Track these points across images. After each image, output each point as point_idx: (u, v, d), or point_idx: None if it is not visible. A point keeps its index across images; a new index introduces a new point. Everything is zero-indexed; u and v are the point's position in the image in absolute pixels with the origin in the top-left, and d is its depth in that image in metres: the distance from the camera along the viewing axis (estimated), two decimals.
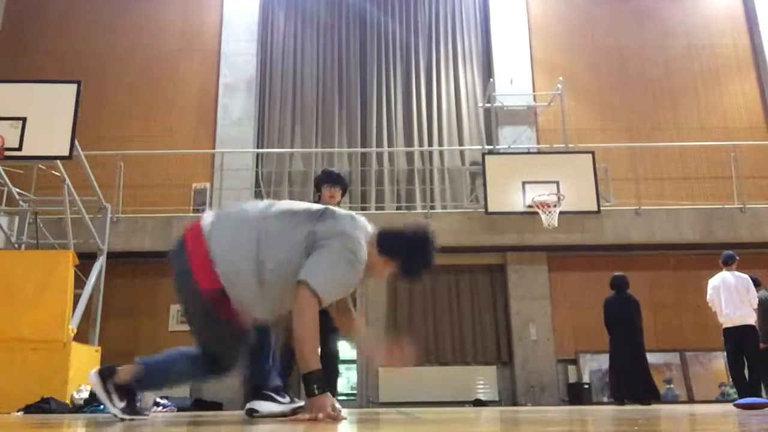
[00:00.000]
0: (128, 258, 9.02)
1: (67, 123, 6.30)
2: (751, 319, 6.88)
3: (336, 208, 2.66)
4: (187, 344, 2.77)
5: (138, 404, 2.63)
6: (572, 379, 8.99)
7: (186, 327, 2.85)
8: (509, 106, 10.46)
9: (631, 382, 7.11)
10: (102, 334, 7.62)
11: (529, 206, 8.58)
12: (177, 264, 2.49)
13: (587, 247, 9.18)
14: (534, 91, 10.65)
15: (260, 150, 10.45)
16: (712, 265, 7.38)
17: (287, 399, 4.40)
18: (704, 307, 7.32)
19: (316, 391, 2.33)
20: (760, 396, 6.75)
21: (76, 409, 5.75)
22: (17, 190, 7.81)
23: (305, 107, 10.70)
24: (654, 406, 6.23)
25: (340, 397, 4.93)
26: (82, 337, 6.90)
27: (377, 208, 9.85)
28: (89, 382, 2.61)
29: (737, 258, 7.15)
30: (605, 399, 8.90)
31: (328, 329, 4.81)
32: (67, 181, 6.82)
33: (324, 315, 4.80)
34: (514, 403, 8.86)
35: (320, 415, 2.27)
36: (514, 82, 10.64)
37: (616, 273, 7.67)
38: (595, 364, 9.07)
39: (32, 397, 5.60)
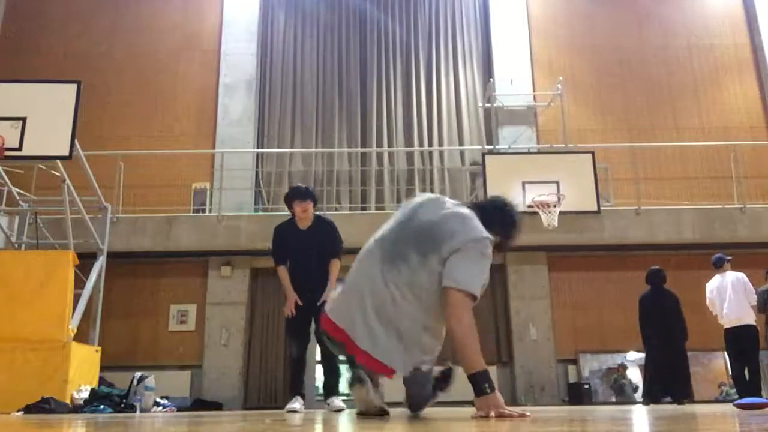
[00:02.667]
0: (128, 258, 9.02)
1: (67, 123, 6.29)
2: (751, 318, 6.89)
3: None
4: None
5: None
6: (572, 379, 8.99)
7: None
8: (509, 106, 10.46)
9: (668, 382, 6.86)
10: (102, 334, 7.62)
11: (529, 206, 8.57)
12: None
13: (587, 247, 9.18)
14: (534, 91, 10.65)
15: (260, 150, 10.45)
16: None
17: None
18: (704, 307, 7.32)
19: (488, 390, 2.33)
20: (760, 396, 6.75)
21: (76, 409, 5.76)
22: (17, 190, 7.81)
23: (305, 107, 10.70)
24: (655, 407, 6.23)
25: (340, 397, 4.95)
26: (82, 337, 6.90)
27: (377, 208, 9.84)
28: None
29: (727, 259, 7.15)
30: (612, 399, 8.91)
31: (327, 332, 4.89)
32: (67, 181, 6.82)
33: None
34: (515, 403, 8.85)
35: (493, 413, 2.26)
36: (514, 82, 10.64)
37: (653, 267, 7.33)
38: (595, 364, 9.07)
39: (32, 397, 5.60)
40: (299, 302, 4.88)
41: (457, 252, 2.46)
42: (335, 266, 4.98)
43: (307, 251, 4.92)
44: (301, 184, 5.09)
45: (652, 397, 6.99)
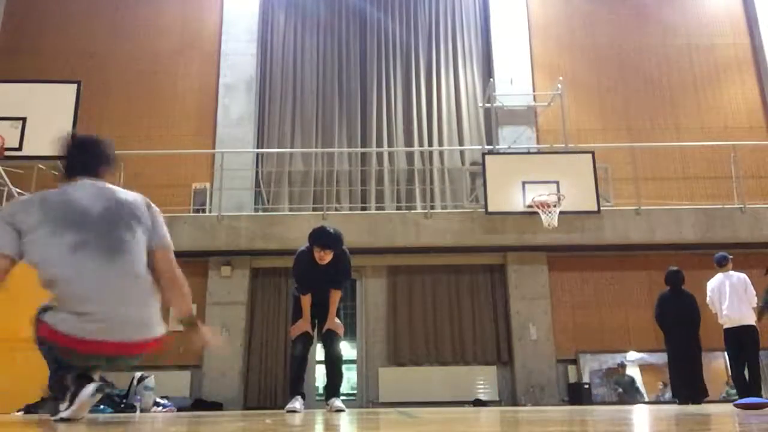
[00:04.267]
0: None
1: (67, 123, 6.30)
2: (751, 319, 6.89)
3: None
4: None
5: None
6: (572, 379, 8.99)
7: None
8: (509, 106, 10.46)
9: (690, 382, 6.90)
10: None
11: (529, 206, 8.58)
12: None
13: (587, 247, 9.18)
14: (534, 91, 10.65)
15: (260, 150, 10.45)
16: (712, 264, 7.37)
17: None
18: (704, 307, 7.32)
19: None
20: (760, 396, 6.74)
21: None
22: (17, 190, 7.81)
23: (305, 107, 10.71)
24: (656, 407, 6.23)
25: (341, 397, 4.96)
26: None
27: (377, 208, 9.84)
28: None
29: (730, 258, 7.15)
30: (613, 399, 8.91)
31: (331, 334, 4.98)
32: None
33: (323, 318, 5.08)
34: (514, 403, 8.86)
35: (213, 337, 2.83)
36: (514, 82, 10.64)
37: (672, 268, 7.35)
38: (595, 364, 9.07)
39: (32, 396, 5.60)
40: (310, 332, 5.00)
41: (157, 217, 2.92)
42: (336, 296, 5.03)
43: (321, 281, 4.97)
44: (332, 229, 4.81)
45: (679, 397, 7.00)
